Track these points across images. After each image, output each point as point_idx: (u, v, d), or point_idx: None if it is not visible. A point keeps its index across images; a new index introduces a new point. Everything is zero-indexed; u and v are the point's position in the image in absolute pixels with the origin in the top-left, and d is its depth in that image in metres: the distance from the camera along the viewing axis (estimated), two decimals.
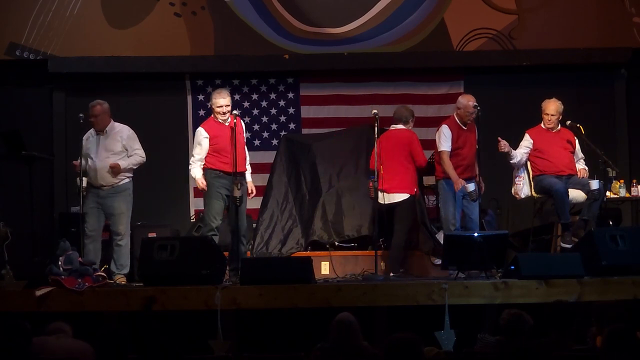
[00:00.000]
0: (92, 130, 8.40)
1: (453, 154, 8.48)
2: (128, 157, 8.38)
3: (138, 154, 8.45)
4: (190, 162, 8.42)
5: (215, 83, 10.56)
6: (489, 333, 6.13)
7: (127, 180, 8.41)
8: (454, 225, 8.40)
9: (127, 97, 10.50)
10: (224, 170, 8.24)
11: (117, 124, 8.45)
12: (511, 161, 8.69)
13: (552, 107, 8.67)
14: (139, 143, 8.48)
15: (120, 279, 8.17)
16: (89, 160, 8.29)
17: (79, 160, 8.30)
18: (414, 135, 8.79)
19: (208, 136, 8.30)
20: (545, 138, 8.70)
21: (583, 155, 8.79)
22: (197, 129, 8.49)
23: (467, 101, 8.56)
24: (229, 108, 8.35)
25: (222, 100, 8.33)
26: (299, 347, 6.46)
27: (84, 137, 8.44)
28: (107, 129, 8.38)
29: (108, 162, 8.26)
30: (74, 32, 10.25)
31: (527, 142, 8.73)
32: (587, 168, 8.72)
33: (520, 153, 8.70)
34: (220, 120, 8.33)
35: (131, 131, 8.48)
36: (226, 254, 8.25)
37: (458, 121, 8.56)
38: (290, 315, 7.43)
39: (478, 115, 8.59)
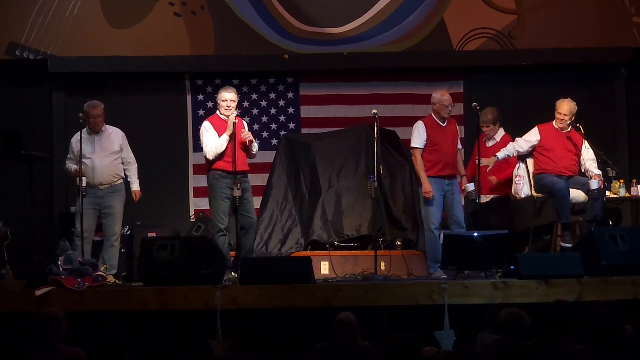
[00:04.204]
0: (83, 132, 8.45)
1: (430, 150, 8.45)
2: (124, 164, 8.54)
3: (134, 160, 8.64)
4: (207, 150, 8.30)
5: (215, 83, 10.56)
6: (490, 333, 6.13)
7: (122, 180, 8.55)
8: (435, 224, 8.34)
9: (127, 97, 10.53)
10: (226, 170, 8.24)
11: (108, 125, 8.57)
12: (505, 156, 8.72)
13: (566, 107, 8.66)
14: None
15: (110, 280, 8.13)
16: (86, 160, 8.32)
17: (75, 166, 8.32)
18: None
19: (212, 126, 8.32)
20: (553, 137, 8.68)
21: (594, 157, 8.73)
22: (203, 123, 8.48)
23: (441, 96, 8.54)
24: (235, 104, 8.34)
25: (227, 95, 8.32)
26: (299, 347, 6.47)
27: (74, 140, 8.47)
28: (102, 129, 8.45)
29: (107, 161, 8.38)
30: (74, 32, 10.25)
31: (535, 137, 8.70)
32: (600, 173, 8.64)
33: (519, 146, 8.69)
34: (224, 117, 8.32)
35: (123, 133, 8.63)
36: (232, 254, 8.26)
37: (435, 118, 8.53)
38: (290, 315, 7.43)
39: (478, 115, 8.59)
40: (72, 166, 8.42)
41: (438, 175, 8.40)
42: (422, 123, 8.54)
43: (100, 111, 8.44)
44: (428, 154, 8.44)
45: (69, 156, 8.53)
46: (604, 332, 5.18)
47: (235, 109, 8.37)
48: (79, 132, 8.45)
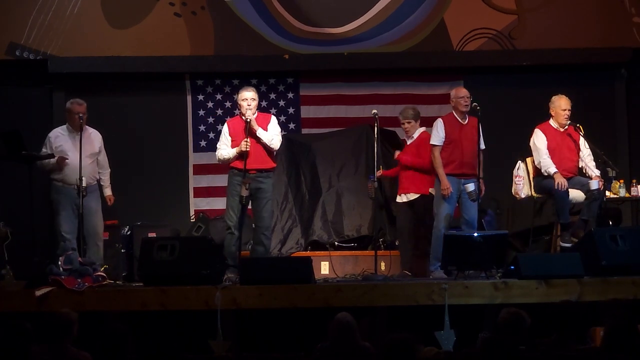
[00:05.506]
0: (62, 129, 8.46)
1: (446, 148, 8.42)
2: (98, 166, 8.49)
3: (107, 165, 8.59)
4: (216, 154, 8.38)
5: (215, 83, 10.58)
6: (490, 333, 6.13)
7: (96, 182, 8.51)
8: (443, 222, 8.29)
9: (127, 97, 10.53)
10: (238, 167, 8.21)
11: (87, 126, 8.51)
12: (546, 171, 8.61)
13: (566, 101, 8.62)
14: None
15: None
16: (64, 156, 8.30)
17: (58, 157, 8.30)
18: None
19: (227, 129, 8.32)
20: (554, 137, 8.63)
21: (591, 153, 8.69)
22: (224, 124, 8.50)
23: (456, 91, 8.54)
24: (255, 103, 8.25)
25: (246, 94, 8.24)
26: (299, 347, 6.47)
27: (53, 135, 8.46)
28: (83, 128, 8.41)
29: (87, 161, 8.29)
30: (74, 32, 10.25)
31: (543, 138, 8.60)
32: (599, 172, 8.56)
33: (544, 154, 8.56)
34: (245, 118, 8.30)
35: (101, 136, 8.59)
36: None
37: (455, 115, 8.52)
38: (290, 315, 7.43)
39: (478, 114, 8.58)
40: (49, 159, 8.35)
41: (453, 174, 8.35)
42: (441, 120, 8.51)
43: (84, 108, 8.38)
44: (443, 151, 8.40)
45: (44, 150, 8.46)
46: (617, 331, 5.17)
47: (255, 108, 8.27)
48: (58, 128, 8.46)
